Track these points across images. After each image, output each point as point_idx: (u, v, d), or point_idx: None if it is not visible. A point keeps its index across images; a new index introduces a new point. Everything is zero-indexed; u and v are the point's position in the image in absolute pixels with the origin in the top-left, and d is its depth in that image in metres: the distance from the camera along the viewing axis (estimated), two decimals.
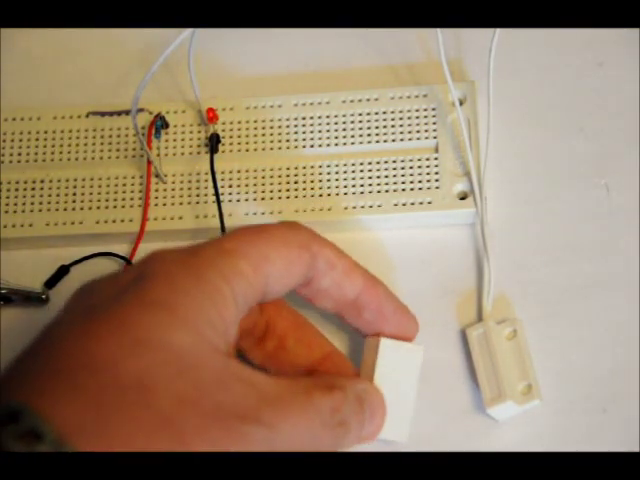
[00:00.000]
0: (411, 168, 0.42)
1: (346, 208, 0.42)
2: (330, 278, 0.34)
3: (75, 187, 0.44)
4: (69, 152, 0.45)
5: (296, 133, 0.44)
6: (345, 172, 0.42)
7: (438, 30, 0.41)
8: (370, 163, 0.42)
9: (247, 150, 0.44)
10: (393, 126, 0.43)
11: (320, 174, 0.43)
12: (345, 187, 0.42)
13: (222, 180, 0.43)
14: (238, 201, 0.43)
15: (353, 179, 0.42)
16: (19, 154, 0.45)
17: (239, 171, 0.43)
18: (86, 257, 0.43)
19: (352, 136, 0.43)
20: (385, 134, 0.43)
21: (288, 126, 0.44)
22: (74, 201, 0.44)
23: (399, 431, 0.35)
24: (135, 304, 0.29)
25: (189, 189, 0.43)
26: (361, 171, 0.42)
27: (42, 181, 0.44)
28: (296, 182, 0.43)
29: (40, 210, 0.43)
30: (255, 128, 0.44)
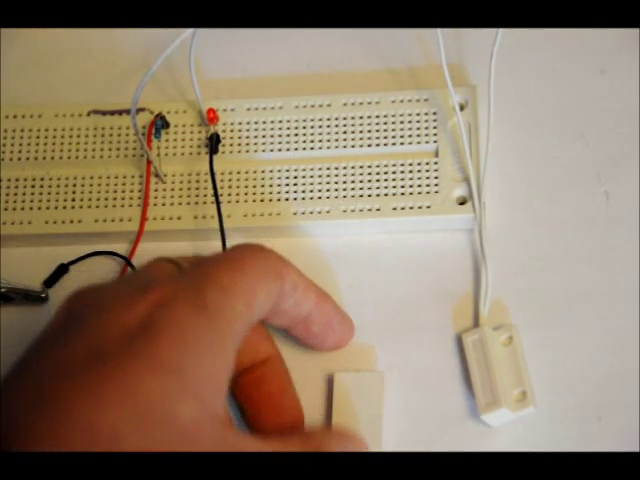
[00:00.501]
0: (410, 172, 0.42)
1: (345, 211, 0.42)
2: (293, 299, 0.35)
3: (75, 185, 0.44)
4: (69, 150, 0.45)
5: (296, 135, 0.44)
6: (344, 175, 0.42)
7: (439, 33, 0.41)
8: (370, 166, 0.42)
9: (247, 151, 0.44)
10: (393, 130, 0.43)
11: (319, 176, 0.43)
12: (344, 190, 0.42)
13: (222, 181, 0.43)
14: (237, 202, 0.43)
15: (352, 182, 0.42)
16: (19, 152, 0.45)
17: (239, 172, 0.43)
18: (85, 256, 0.43)
19: (352, 139, 0.43)
20: (385, 137, 0.43)
21: (288, 128, 0.44)
22: (74, 199, 0.44)
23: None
24: (145, 366, 0.28)
25: (188, 189, 0.43)
26: (360, 174, 0.42)
27: (42, 179, 0.44)
28: (295, 184, 0.43)
29: (40, 208, 0.44)
30: (256, 129, 0.44)
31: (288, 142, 0.44)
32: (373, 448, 0.36)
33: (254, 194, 0.43)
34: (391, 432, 0.37)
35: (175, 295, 0.30)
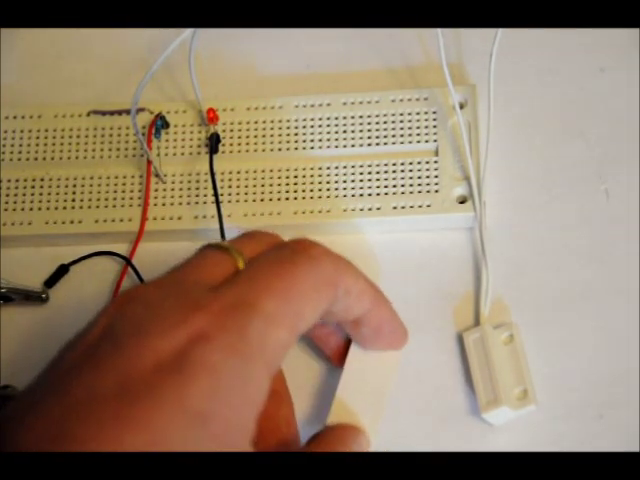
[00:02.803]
0: (411, 171, 0.42)
1: (345, 210, 0.42)
2: (343, 303, 0.33)
3: (75, 186, 0.44)
4: (69, 151, 0.45)
5: (296, 135, 0.44)
6: (345, 174, 0.42)
7: (439, 33, 0.41)
8: (370, 165, 0.42)
9: (247, 151, 0.44)
10: (393, 129, 0.43)
11: (320, 176, 0.43)
12: (344, 189, 0.42)
13: (222, 181, 0.43)
14: (237, 202, 0.43)
15: (352, 181, 0.42)
16: (19, 152, 0.45)
17: (239, 172, 0.43)
18: (86, 256, 0.43)
19: (352, 138, 0.43)
20: (385, 137, 0.43)
21: (288, 127, 0.44)
22: (74, 200, 0.44)
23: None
24: (172, 412, 0.27)
25: (188, 189, 0.43)
26: (361, 173, 0.42)
27: (42, 179, 0.44)
28: (295, 184, 0.43)
29: (40, 208, 0.44)
30: (255, 129, 0.44)
31: (288, 142, 0.44)
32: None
33: (254, 194, 0.43)
34: (392, 431, 0.37)
35: (216, 330, 0.29)
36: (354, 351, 0.37)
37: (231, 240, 0.33)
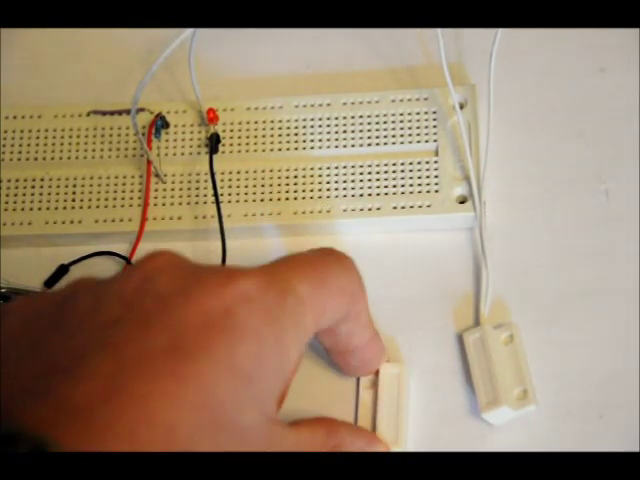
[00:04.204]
0: (411, 171, 0.42)
1: (345, 210, 0.42)
2: (349, 326, 0.34)
3: (75, 186, 0.44)
4: (69, 151, 0.45)
5: (296, 135, 0.44)
6: (345, 174, 0.42)
7: (439, 32, 0.41)
8: (370, 166, 0.42)
9: (247, 151, 0.44)
10: (393, 129, 0.43)
11: (320, 176, 0.43)
12: (344, 189, 0.42)
13: (222, 181, 0.43)
14: (237, 202, 0.43)
15: (352, 181, 0.42)
16: (19, 152, 0.45)
17: (239, 172, 0.43)
18: (86, 256, 0.43)
19: (352, 138, 0.43)
20: (385, 137, 0.43)
21: (288, 127, 0.44)
22: (74, 200, 0.44)
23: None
24: (223, 371, 0.28)
25: (188, 189, 0.43)
26: (360, 173, 0.42)
27: (42, 179, 0.44)
28: (295, 184, 0.43)
29: (40, 209, 0.44)
30: (255, 129, 0.44)
31: (288, 142, 0.44)
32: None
33: (254, 194, 0.43)
34: None
35: (258, 294, 0.30)
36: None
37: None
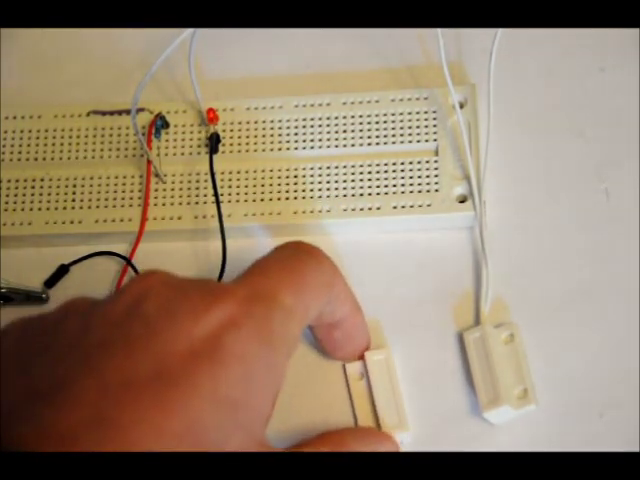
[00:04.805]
0: (411, 171, 0.42)
1: (345, 210, 0.42)
2: (332, 305, 0.35)
3: (75, 186, 0.44)
4: (69, 151, 0.45)
5: (296, 134, 0.44)
6: (345, 174, 0.42)
7: (439, 32, 0.41)
8: (370, 165, 0.42)
9: (247, 151, 0.44)
10: (393, 128, 0.43)
11: (320, 176, 0.43)
12: (344, 189, 0.42)
13: (222, 180, 0.43)
14: (237, 202, 0.43)
15: (352, 181, 0.42)
16: (19, 152, 0.45)
17: (239, 172, 0.43)
18: (86, 256, 0.43)
19: (352, 138, 0.43)
20: (385, 136, 0.43)
21: (288, 127, 0.44)
22: (74, 200, 0.44)
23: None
24: (207, 397, 0.28)
25: (188, 189, 0.43)
26: (361, 173, 0.42)
27: (42, 179, 0.44)
28: (295, 183, 0.43)
29: (40, 209, 0.44)
30: (255, 129, 0.44)
31: (288, 142, 0.44)
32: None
33: (254, 194, 0.43)
34: None
35: (245, 316, 0.30)
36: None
37: None
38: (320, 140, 0.43)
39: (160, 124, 0.44)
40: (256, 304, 0.30)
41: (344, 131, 0.43)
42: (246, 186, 0.43)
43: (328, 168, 0.43)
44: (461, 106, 0.43)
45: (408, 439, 0.37)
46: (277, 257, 0.33)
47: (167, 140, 0.44)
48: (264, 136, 0.44)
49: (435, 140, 0.42)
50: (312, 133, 0.44)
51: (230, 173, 0.43)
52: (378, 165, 0.42)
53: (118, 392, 0.27)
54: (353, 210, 0.42)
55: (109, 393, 0.27)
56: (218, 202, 0.42)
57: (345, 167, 0.42)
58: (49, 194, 0.44)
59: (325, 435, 0.34)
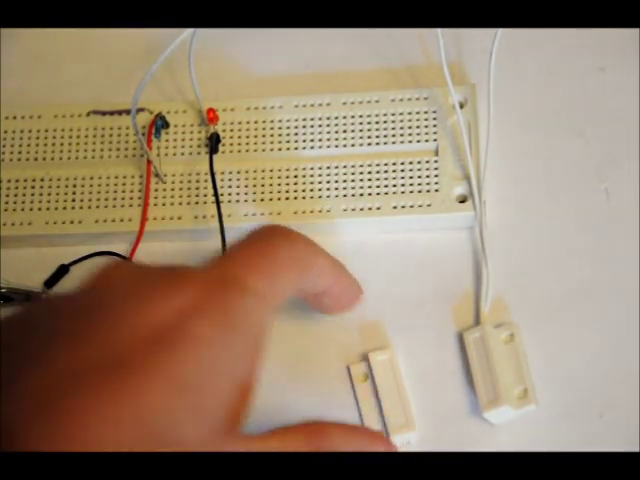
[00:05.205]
0: (411, 171, 0.42)
1: (345, 210, 0.42)
2: (312, 280, 0.34)
3: (75, 186, 0.44)
4: (69, 151, 0.45)
5: (296, 134, 0.44)
6: (345, 174, 0.42)
7: (439, 32, 0.41)
8: (370, 165, 0.42)
9: (247, 151, 0.44)
10: (393, 128, 0.43)
11: (320, 175, 0.43)
12: (344, 189, 0.42)
13: (222, 180, 0.43)
14: (237, 202, 0.43)
15: (352, 181, 0.42)
16: (19, 152, 0.45)
17: (239, 172, 0.43)
18: (86, 256, 0.43)
19: (352, 138, 0.43)
20: (385, 136, 0.43)
21: (288, 127, 0.44)
22: (74, 200, 0.44)
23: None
24: (159, 384, 0.27)
25: (188, 189, 0.43)
26: (361, 173, 0.42)
27: (42, 179, 0.44)
28: (295, 183, 0.43)
29: (40, 209, 0.44)
30: (255, 129, 0.44)
31: (288, 142, 0.44)
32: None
33: (254, 194, 0.43)
34: None
35: (208, 301, 0.29)
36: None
37: None
38: (320, 140, 0.43)
39: (160, 124, 0.44)
40: (222, 289, 0.30)
41: (344, 131, 0.43)
42: (246, 186, 0.43)
43: (328, 168, 0.43)
44: (461, 106, 0.43)
45: (415, 438, 0.37)
46: (249, 241, 0.33)
47: (167, 140, 0.44)
48: (264, 136, 0.44)
49: (435, 140, 0.42)
50: (312, 133, 0.44)
51: (230, 173, 0.43)
52: (378, 165, 0.42)
53: (66, 380, 0.27)
54: (353, 210, 0.42)
55: (56, 381, 0.27)
56: (218, 202, 0.42)
57: (345, 167, 0.42)
58: (49, 194, 0.44)
59: (305, 424, 0.33)
